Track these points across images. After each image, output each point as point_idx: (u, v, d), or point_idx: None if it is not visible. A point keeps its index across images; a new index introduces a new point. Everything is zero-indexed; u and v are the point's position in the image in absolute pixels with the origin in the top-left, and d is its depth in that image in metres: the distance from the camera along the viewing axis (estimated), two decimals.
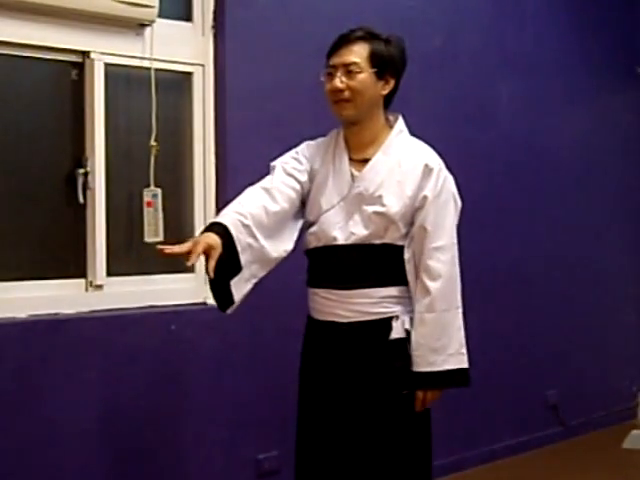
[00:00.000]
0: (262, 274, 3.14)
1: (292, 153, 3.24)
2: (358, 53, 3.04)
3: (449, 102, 5.24)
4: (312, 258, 3.23)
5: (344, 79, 3.03)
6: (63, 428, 3.71)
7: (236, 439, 4.25)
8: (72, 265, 3.94)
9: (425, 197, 3.04)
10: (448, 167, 3.20)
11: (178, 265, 4.26)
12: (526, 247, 5.79)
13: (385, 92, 3.10)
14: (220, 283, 3.00)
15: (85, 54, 3.92)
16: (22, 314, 3.69)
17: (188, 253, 2.86)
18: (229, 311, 3.10)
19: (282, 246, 3.13)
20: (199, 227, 4.26)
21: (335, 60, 3.06)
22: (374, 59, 3.05)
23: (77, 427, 3.75)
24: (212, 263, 2.85)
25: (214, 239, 2.89)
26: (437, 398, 3.08)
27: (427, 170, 3.06)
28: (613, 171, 6.54)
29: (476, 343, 5.33)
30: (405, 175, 3.06)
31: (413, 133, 3.26)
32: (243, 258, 3.00)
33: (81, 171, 3.90)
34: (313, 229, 3.16)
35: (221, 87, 4.27)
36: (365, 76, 3.04)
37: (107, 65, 3.97)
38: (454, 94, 5.29)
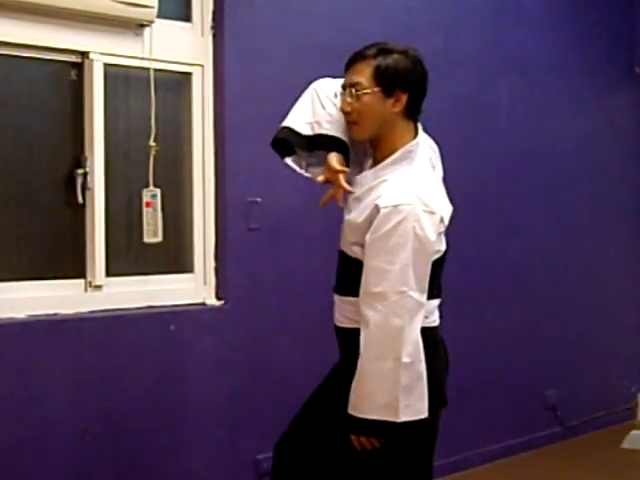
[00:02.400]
0: None
1: None
2: (362, 73, 2.92)
3: (448, 102, 5.23)
4: None
5: (350, 100, 2.94)
6: (63, 428, 3.72)
7: (235, 439, 4.26)
8: (71, 265, 3.93)
9: (369, 239, 2.85)
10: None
11: (177, 265, 4.27)
12: (525, 247, 5.79)
13: (397, 109, 2.93)
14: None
15: (84, 54, 3.92)
16: (21, 314, 3.69)
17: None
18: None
19: None
20: (198, 227, 4.26)
21: (345, 80, 2.98)
22: (378, 77, 2.90)
23: (77, 427, 3.75)
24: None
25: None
26: (377, 445, 2.86)
27: (375, 211, 2.83)
28: (613, 171, 6.54)
29: (476, 344, 5.37)
30: (364, 207, 2.90)
31: None
32: None
33: (80, 171, 3.90)
34: None
35: (220, 87, 4.27)
36: (370, 97, 2.91)
37: (106, 65, 3.97)
38: (453, 94, 5.28)
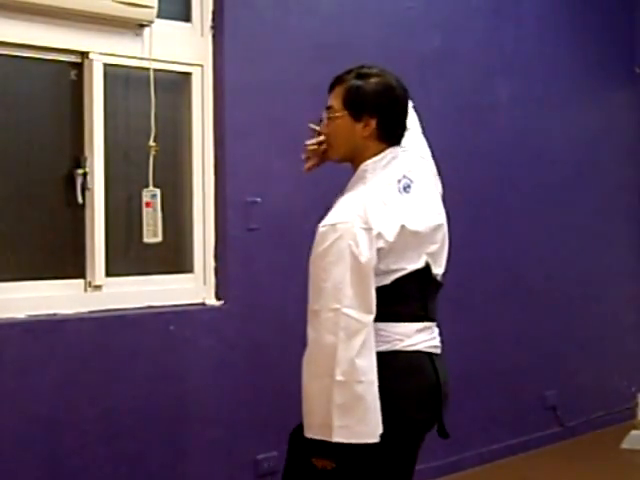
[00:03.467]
0: None
1: None
2: (337, 96, 2.91)
3: (448, 102, 5.24)
4: None
5: (326, 123, 2.96)
6: (62, 428, 3.72)
7: (235, 439, 4.25)
8: (71, 265, 3.94)
9: (310, 258, 2.88)
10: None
11: (177, 265, 4.27)
12: (524, 248, 5.79)
13: (366, 133, 2.90)
14: None
15: (84, 54, 3.92)
16: (21, 314, 3.69)
17: None
18: None
19: None
20: (198, 227, 4.26)
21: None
22: (347, 101, 2.89)
23: (76, 427, 3.75)
24: None
25: None
26: (326, 465, 2.80)
27: (318, 231, 2.84)
28: (612, 171, 6.54)
29: (475, 344, 5.37)
30: None
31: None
32: None
33: (80, 171, 3.90)
34: None
35: (220, 87, 4.27)
36: (340, 120, 2.90)
37: (106, 65, 3.97)
38: (453, 94, 5.29)
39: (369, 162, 2.91)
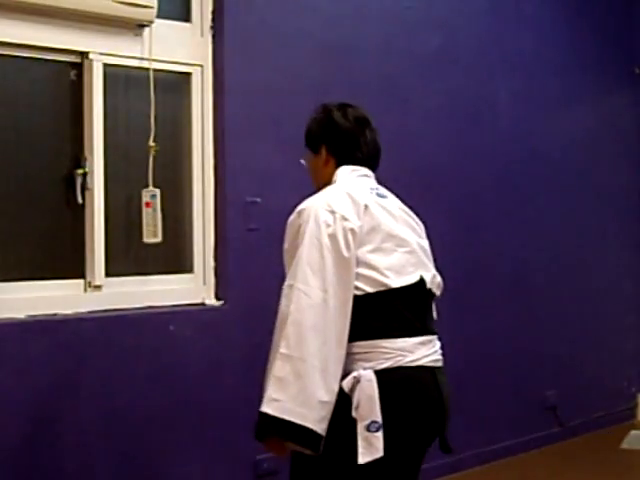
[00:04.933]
0: None
1: None
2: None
3: (448, 102, 5.24)
4: None
5: None
6: (62, 428, 3.72)
7: (235, 439, 4.25)
8: (71, 265, 3.94)
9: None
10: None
11: (177, 265, 4.27)
12: (525, 247, 5.79)
13: (322, 162, 3.09)
14: None
15: (84, 54, 3.92)
16: (21, 314, 3.69)
17: None
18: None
19: None
20: (197, 227, 4.27)
21: None
22: (306, 141, 3.15)
23: (76, 427, 3.75)
24: None
25: None
26: (281, 449, 2.84)
27: (287, 223, 2.95)
28: (612, 171, 6.54)
29: (475, 344, 5.37)
30: None
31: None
32: None
33: (80, 171, 3.90)
34: None
35: (220, 87, 4.27)
36: (308, 160, 3.15)
37: (106, 65, 3.97)
38: (453, 94, 5.29)
39: (339, 172, 3.06)
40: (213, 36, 4.29)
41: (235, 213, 4.28)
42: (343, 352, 2.79)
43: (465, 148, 5.29)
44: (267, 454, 4.28)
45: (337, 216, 2.83)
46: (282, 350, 2.80)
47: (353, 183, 3.00)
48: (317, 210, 2.85)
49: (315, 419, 2.72)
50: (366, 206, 2.89)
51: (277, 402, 2.74)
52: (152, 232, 4.03)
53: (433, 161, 4.87)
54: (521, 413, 5.74)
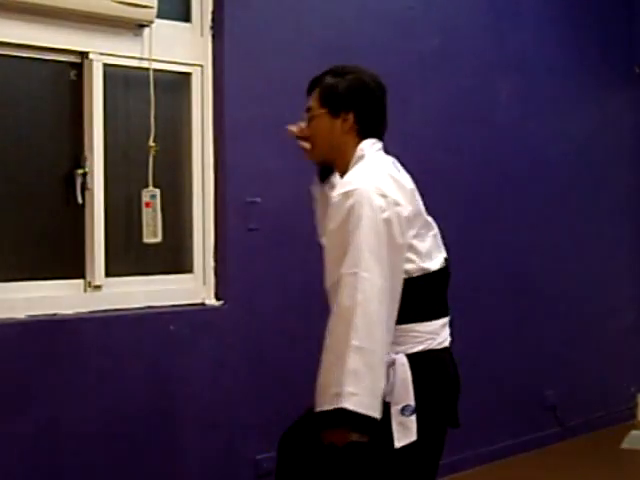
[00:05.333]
0: None
1: None
2: (313, 97, 3.03)
3: (447, 102, 5.24)
4: None
5: (305, 125, 3.06)
6: (62, 429, 3.72)
7: (235, 440, 4.26)
8: (71, 265, 3.93)
9: (326, 232, 2.89)
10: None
11: (177, 265, 4.27)
12: (524, 247, 5.79)
13: (346, 129, 2.97)
14: None
15: (84, 55, 3.92)
16: (21, 314, 3.69)
17: None
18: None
19: None
20: (197, 228, 4.27)
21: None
22: (323, 99, 3.00)
23: (76, 428, 3.75)
24: None
25: None
26: (344, 440, 2.77)
27: (332, 202, 2.85)
28: (612, 171, 6.54)
29: (475, 344, 5.37)
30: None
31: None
32: None
33: (80, 171, 3.90)
34: None
35: (219, 88, 4.27)
36: (319, 120, 3.01)
37: (106, 66, 3.97)
38: (452, 94, 5.29)
39: (363, 145, 2.97)
40: (213, 36, 4.29)
41: (235, 213, 4.29)
42: (391, 339, 2.80)
43: (464, 148, 5.29)
44: (267, 454, 4.30)
45: (389, 200, 2.80)
46: (354, 342, 2.69)
47: (383, 161, 2.97)
48: (370, 194, 2.78)
49: (379, 409, 2.73)
50: (412, 191, 2.92)
51: (355, 397, 2.69)
52: (152, 232, 4.03)
53: (432, 161, 4.86)
54: (521, 413, 5.75)
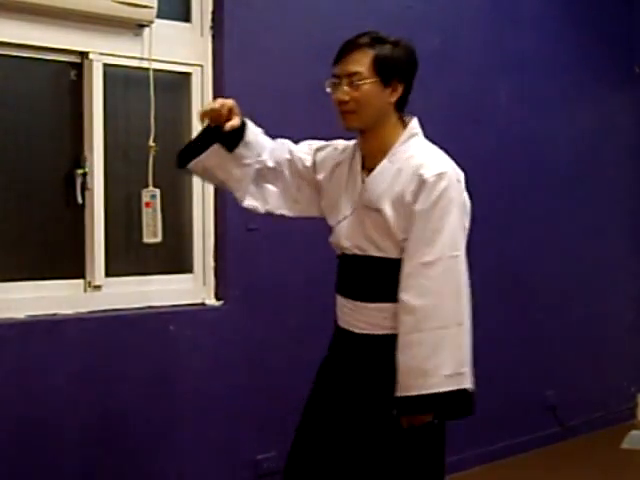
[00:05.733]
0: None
1: (316, 142, 3.20)
2: (361, 62, 2.89)
3: (448, 102, 5.24)
4: (338, 263, 3.12)
5: (348, 90, 2.91)
6: (62, 428, 3.72)
7: (235, 440, 4.26)
8: (71, 266, 3.93)
9: (420, 211, 2.85)
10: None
11: (176, 265, 4.27)
12: (524, 247, 5.79)
13: (393, 99, 2.93)
14: (208, 138, 3.05)
15: (84, 55, 3.92)
16: (21, 314, 3.69)
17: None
18: (186, 165, 3.11)
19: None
20: (197, 228, 4.26)
21: (339, 70, 2.93)
22: (378, 66, 2.89)
23: (76, 427, 3.75)
24: (235, 118, 2.97)
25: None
26: (427, 420, 2.88)
27: (421, 181, 2.86)
28: (612, 170, 6.54)
29: (475, 344, 5.35)
30: (403, 185, 2.90)
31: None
32: (248, 138, 3.09)
33: (79, 171, 3.90)
34: (331, 237, 3.09)
35: (219, 87, 4.26)
36: (369, 86, 2.89)
37: (106, 66, 3.97)
38: (453, 94, 5.29)
39: (414, 123, 3.03)
40: (213, 36, 4.29)
41: (235, 213, 4.27)
42: None
43: (465, 148, 5.27)
44: (267, 454, 4.30)
45: (462, 186, 2.98)
46: (467, 323, 2.95)
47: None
48: (457, 177, 2.94)
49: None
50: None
51: (470, 376, 3.02)
52: (152, 232, 4.03)
53: None
54: (521, 413, 5.74)
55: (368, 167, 3.02)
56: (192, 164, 3.08)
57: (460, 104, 5.34)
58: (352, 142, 3.12)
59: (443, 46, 5.23)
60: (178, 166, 3.12)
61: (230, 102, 2.95)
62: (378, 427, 2.93)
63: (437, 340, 2.84)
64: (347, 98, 2.92)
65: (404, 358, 2.84)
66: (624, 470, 5.46)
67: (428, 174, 2.87)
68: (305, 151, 3.17)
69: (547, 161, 5.97)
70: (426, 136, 3.23)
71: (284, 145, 3.20)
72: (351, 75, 2.91)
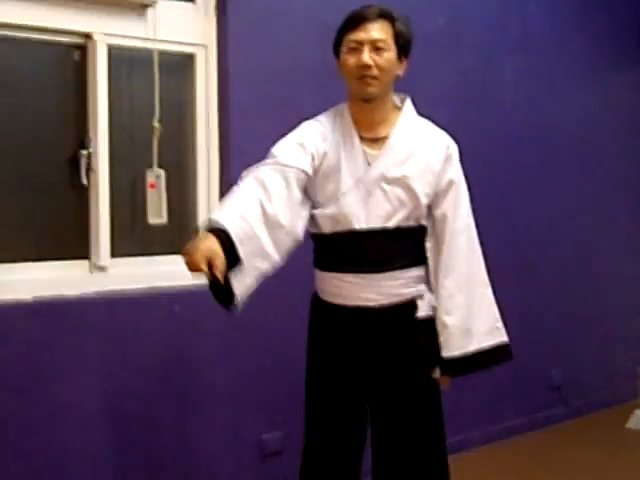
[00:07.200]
0: (265, 266, 3.03)
1: (295, 137, 3.12)
2: (385, 30, 2.99)
3: (452, 82, 5.23)
4: (328, 242, 3.14)
5: (373, 55, 2.98)
6: (68, 410, 3.73)
7: (240, 420, 4.27)
8: (76, 246, 3.94)
9: (451, 181, 3.07)
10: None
11: (182, 246, 4.27)
12: (529, 228, 5.79)
13: (400, 72, 3.07)
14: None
15: (87, 36, 3.91)
16: (26, 296, 3.70)
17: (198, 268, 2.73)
18: (234, 308, 2.94)
19: (286, 236, 3.04)
20: (202, 208, 4.27)
21: (361, 36, 2.98)
22: (398, 39, 3.02)
23: (82, 409, 3.77)
24: (217, 272, 2.72)
25: (213, 248, 2.74)
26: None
27: (449, 153, 3.09)
28: (618, 150, 6.52)
29: None
30: (428, 156, 3.05)
31: (418, 113, 3.23)
32: (242, 250, 2.84)
33: (84, 152, 3.90)
34: (329, 212, 3.08)
35: (224, 68, 4.26)
36: (391, 55, 3.00)
37: (110, 46, 3.97)
38: (457, 74, 5.27)
39: (409, 101, 3.19)
40: (217, 16, 4.28)
41: None
42: None
43: (469, 129, 5.27)
44: (272, 434, 4.31)
45: None
46: (486, 281, 3.16)
47: None
48: None
49: None
50: None
51: (499, 330, 3.23)
52: (157, 213, 4.03)
53: None
54: (525, 393, 5.76)
55: (366, 137, 3.08)
56: (237, 300, 2.95)
57: (464, 84, 5.32)
58: (329, 112, 3.19)
59: (447, 26, 5.21)
60: (227, 308, 2.97)
61: (197, 260, 2.73)
62: (419, 389, 3.10)
63: (474, 300, 3.07)
64: (372, 63, 2.99)
65: (450, 320, 3.04)
66: (629, 450, 5.47)
67: (451, 144, 3.12)
68: (302, 166, 3.05)
69: (552, 141, 5.95)
70: (429, 115, 3.24)
71: (284, 212, 3.00)
72: (376, 41, 2.99)
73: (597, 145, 6.33)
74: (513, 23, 5.69)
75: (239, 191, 2.93)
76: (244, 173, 3.03)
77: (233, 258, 2.80)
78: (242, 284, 2.91)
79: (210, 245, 2.74)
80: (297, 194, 3.01)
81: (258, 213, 2.89)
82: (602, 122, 6.38)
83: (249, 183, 2.95)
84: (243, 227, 2.84)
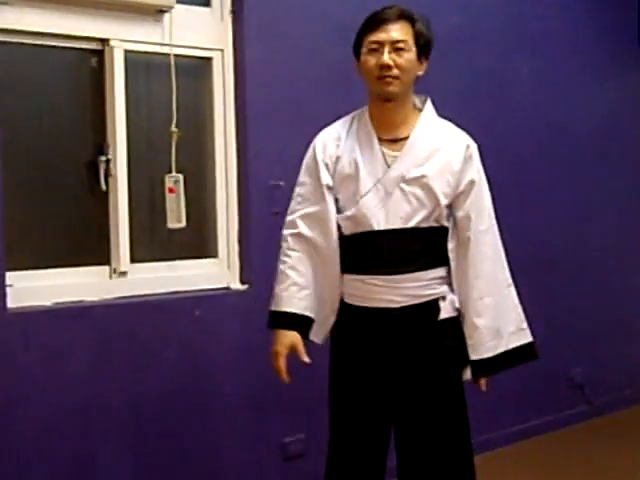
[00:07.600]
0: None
1: (309, 162, 3.26)
2: (405, 31, 3.01)
3: (467, 81, 5.21)
4: (349, 244, 3.11)
5: (393, 56, 3.00)
6: (90, 414, 3.74)
7: (262, 423, 4.27)
8: (96, 252, 3.95)
9: (472, 182, 3.09)
10: None
11: (201, 250, 4.28)
12: (549, 224, 5.76)
13: (420, 73, 3.09)
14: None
15: (104, 41, 3.92)
16: (47, 302, 3.71)
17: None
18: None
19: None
20: (221, 212, 4.26)
21: (381, 36, 3.00)
22: (418, 39, 3.04)
23: (104, 413, 3.78)
24: (303, 357, 3.22)
25: (287, 342, 3.23)
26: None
27: (468, 153, 3.09)
28: (634, 146, 6.49)
29: None
30: (447, 156, 3.06)
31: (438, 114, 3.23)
32: (310, 313, 3.19)
33: (103, 158, 3.91)
34: (349, 213, 3.08)
35: (241, 72, 4.26)
36: (411, 55, 3.02)
37: (127, 52, 3.97)
38: (472, 72, 5.25)
39: (429, 102, 3.19)
40: (233, 20, 4.28)
41: (259, 197, 4.28)
42: None
43: (484, 127, 5.24)
44: (294, 437, 4.31)
45: None
46: (510, 281, 3.19)
47: None
48: None
49: None
50: None
51: (524, 330, 3.29)
52: (176, 217, 4.03)
53: None
54: (548, 392, 5.74)
55: (385, 139, 3.09)
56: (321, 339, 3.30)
57: (479, 82, 5.30)
58: (348, 116, 3.21)
59: (464, 23, 5.20)
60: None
61: (279, 369, 3.30)
62: (444, 390, 3.12)
63: (502, 301, 3.10)
64: (392, 63, 3.00)
65: (481, 322, 3.07)
66: None
67: (473, 147, 3.13)
68: (325, 182, 3.19)
69: (567, 138, 5.92)
70: (445, 114, 3.24)
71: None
72: (397, 42, 3.01)
73: (614, 141, 6.30)
74: (528, 21, 5.66)
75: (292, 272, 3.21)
76: (285, 233, 3.29)
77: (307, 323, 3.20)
78: (322, 334, 3.28)
79: (285, 342, 3.25)
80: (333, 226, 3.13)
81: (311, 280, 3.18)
82: (619, 118, 6.34)
83: (295, 259, 3.19)
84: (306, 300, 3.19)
